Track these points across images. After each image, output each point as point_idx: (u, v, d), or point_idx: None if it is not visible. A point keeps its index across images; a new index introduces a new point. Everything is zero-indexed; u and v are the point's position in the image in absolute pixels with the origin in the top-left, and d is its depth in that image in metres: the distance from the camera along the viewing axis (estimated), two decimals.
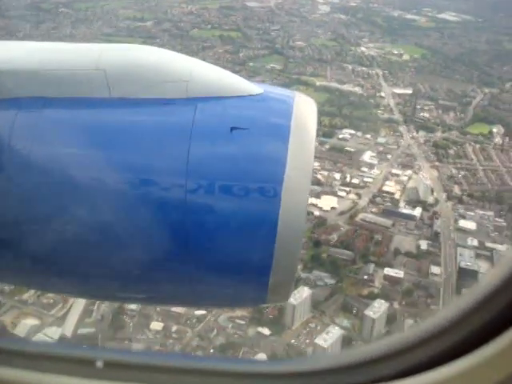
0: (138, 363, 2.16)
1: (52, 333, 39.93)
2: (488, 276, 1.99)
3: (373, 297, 41.72)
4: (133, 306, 41.59)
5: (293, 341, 39.15)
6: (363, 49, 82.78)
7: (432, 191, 53.26)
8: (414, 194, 53.28)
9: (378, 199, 51.94)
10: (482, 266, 48.59)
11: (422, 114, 66.46)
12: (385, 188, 53.33)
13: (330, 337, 37.36)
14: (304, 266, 43.30)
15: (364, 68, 77.03)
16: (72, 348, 2.46)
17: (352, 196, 51.74)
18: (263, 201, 2.84)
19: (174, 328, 40.15)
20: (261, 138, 2.95)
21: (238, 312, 40.06)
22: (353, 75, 75.27)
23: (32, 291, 40.69)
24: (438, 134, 62.61)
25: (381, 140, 60.86)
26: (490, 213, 51.20)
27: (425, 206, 51.38)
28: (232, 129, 2.93)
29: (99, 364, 2.07)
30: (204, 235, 2.93)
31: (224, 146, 2.93)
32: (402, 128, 63.49)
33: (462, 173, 56.61)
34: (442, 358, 1.94)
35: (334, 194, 51.71)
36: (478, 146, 60.81)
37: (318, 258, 44.53)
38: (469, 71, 77.74)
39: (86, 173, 2.96)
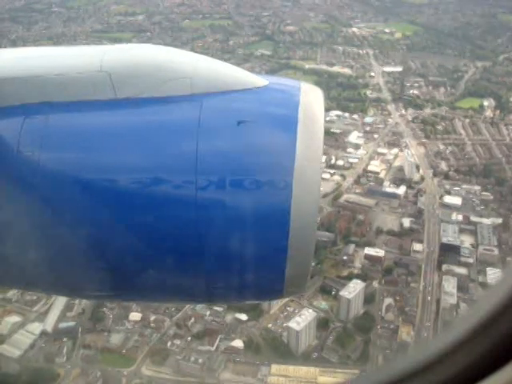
0: None
1: (33, 329, 40.51)
2: (488, 299, 1.82)
3: (352, 277, 41.59)
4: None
5: (270, 325, 39.24)
6: (355, 29, 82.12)
7: (418, 168, 52.75)
8: (400, 172, 52.91)
9: (363, 179, 51.60)
10: (465, 241, 48.38)
11: (411, 92, 65.81)
12: (370, 168, 52.97)
13: (302, 319, 37.34)
14: None
15: (355, 49, 76.45)
16: None
17: (336, 178, 51.45)
18: (275, 193, 2.85)
19: (153, 318, 40.48)
20: (268, 130, 2.96)
21: None
22: (343, 56, 74.74)
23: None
24: (427, 111, 61.99)
25: (368, 120, 60.45)
26: (477, 187, 50.66)
27: (410, 184, 50.93)
28: (239, 123, 2.95)
29: None
30: (217, 231, 2.96)
31: (232, 140, 2.94)
32: (391, 106, 62.97)
33: (450, 148, 56.00)
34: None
35: None
36: (467, 120, 60.09)
37: None
38: (462, 46, 76.76)
39: (96, 175, 3.02)
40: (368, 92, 66.10)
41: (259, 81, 3.07)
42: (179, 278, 3.13)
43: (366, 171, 52.62)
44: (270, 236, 2.86)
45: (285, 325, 38.33)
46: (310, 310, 39.04)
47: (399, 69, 71.35)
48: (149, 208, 2.87)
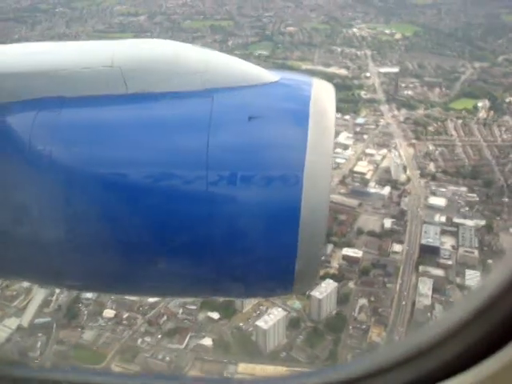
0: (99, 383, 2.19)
1: (11, 323, 40.97)
2: (486, 283, 1.97)
3: (328, 277, 41.43)
4: (89, 295, 42.43)
5: (241, 324, 39.22)
6: (355, 30, 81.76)
7: (405, 169, 52.44)
8: (386, 173, 52.65)
9: (348, 180, 51.40)
10: (447, 242, 47.89)
11: (405, 92, 65.42)
12: (356, 168, 52.75)
13: (271, 318, 37.29)
14: None
15: (353, 49, 76.15)
16: (37, 371, 2.60)
17: None
18: (285, 188, 2.95)
19: (126, 315, 40.67)
20: (280, 125, 3.05)
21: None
22: (340, 57, 74.50)
23: None
24: (420, 112, 61.60)
25: (359, 120, 60.19)
26: (464, 188, 50.18)
27: (395, 185, 50.65)
28: (250, 118, 3.05)
29: None
30: (227, 226, 3.05)
31: (243, 135, 3.04)
32: (384, 107, 62.67)
33: (440, 149, 55.59)
34: (437, 374, 1.92)
35: None
36: (460, 121, 59.60)
37: None
38: (461, 46, 76.07)
39: (107, 169, 3.13)
40: (362, 93, 65.79)
41: (270, 76, 3.10)
42: (189, 271, 3.17)
43: (352, 172, 52.35)
44: (280, 231, 2.91)
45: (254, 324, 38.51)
46: (280, 309, 38.92)
47: (396, 69, 70.95)
48: (160, 202, 2.91)
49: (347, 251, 43.95)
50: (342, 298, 40.65)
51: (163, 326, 39.96)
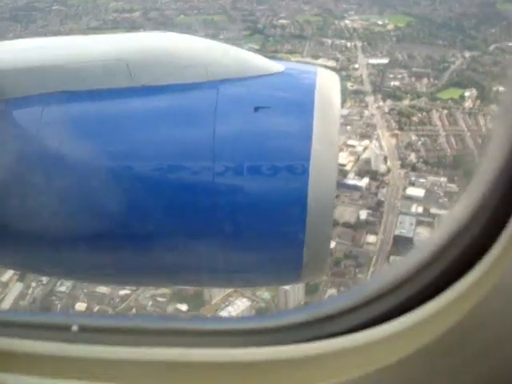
0: (112, 326, 2.37)
1: None
2: (434, 235, 2.27)
3: None
4: (63, 288, 42.80)
5: (208, 315, 39.36)
6: (347, 22, 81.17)
7: (386, 160, 52.15)
8: (367, 164, 52.39)
9: None
10: (422, 233, 47.49)
11: (392, 83, 64.96)
12: None
13: (234, 309, 37.39)
14: None
15: (343, 41, 75.71)
16: (46, 315, 2.94)
17: None
18: (292, 178, 3.13)
19: (96, 308, 40.94)
20: (285, 115, 3.23)
21: (161, 290, 40.51)
22: (330, 49, 74.12)
23: None
24: (406, 102, 61.16)
25: (343, 112, 59.85)
26: (444, 179, 49.79)
27: (375, 176, 50.41)
28: (256, 108, 3.21)
29: (75, 328, 2.28)
30: (235, 216, 3.22)
31: (249, 126, 3.22)
32: (369, 98, 62.32)
33: (422, 139, 55.20)
34: (388, 314, 2.10)
35: None
36: (445, 111, 59.11)
37: None
38: (453, 36, 75.22)
39: (114, 162, 3.30)
40: (349, 84, 65.41)
41: (275, 66, 3.25)
42: (198, 261, 3.29)
43: None
44: (287, 220, 3.04)
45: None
46: (244, 300, 38.97)
47: (385, 60, 70.53)
48: (166, 194, 3.06)
49: None
50: (311, 289, 40.56)
51: None
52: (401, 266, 2.15)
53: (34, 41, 3.70)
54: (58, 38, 3.56)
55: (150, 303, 40.77)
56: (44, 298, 42.84)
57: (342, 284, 41.23)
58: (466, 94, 61.98)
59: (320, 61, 72.55)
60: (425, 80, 66.04)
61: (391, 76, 66.83)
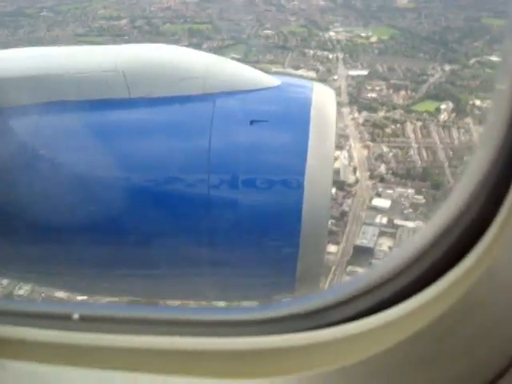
0: (113, 315, 2.42)
1: None
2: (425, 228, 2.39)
3: None
4: (21, 292, 42.71)
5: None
6: (332, 33, 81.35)
7: (355, 171, 52.09)
8: (336, 174, 52.27)
9: None
10: (384, 243, 47.32)
11: (369, 95, 65.01)
12: None
13: None
14: None
15: (326, 52, 75.85)
16: (46, 304, 3.00)
17: None
18: (287, 192, 3.14)
19: None
20: (281, 129, 3.24)
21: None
22: (312, 60, 74.27)
23: None
24: (381, 114, 61.18)
25: None
26: (411, 190, 49.72)
27: (342, 186, 50.34)
28: (251, 122, 3.22)
29: (75, 317, 2.33)
30: (229, 229, 3.22)
31: (245, 139, 3.22)
32: (345, 110, 62.33)
33: (394, 151, 55.17)
34: (380, 305, 2.18)
35: None
36: (419, 123, 59.10)
37: None
38: (435, 49, 75.30)
39: (110, 173, 3.31)
40: None
41: (272, 80, 3.22)
42: (191, 275, 3.27)
43: None
44: (282, 234, 3.02)
45: None
46: None
47: (365, 72, 70.68)
48: (162, 206, 3.04)
49: None
50: None
51: None
52: (393, 258, 2.23)
53: (32, 50, 3.67)
54: (56, 47, 3.53)
55: None
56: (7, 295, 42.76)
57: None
58: (442, 106, 61.97)
59: (300, 71, 72.66)
60: (402, 92, 66.07)
61: (369, 88, 66.88)
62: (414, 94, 65.12)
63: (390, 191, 49.31)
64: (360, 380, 2.13)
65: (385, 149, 55.22)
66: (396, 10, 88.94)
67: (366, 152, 54.88)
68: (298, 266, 2.84)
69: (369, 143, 56.22)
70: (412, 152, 54.75)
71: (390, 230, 46.41)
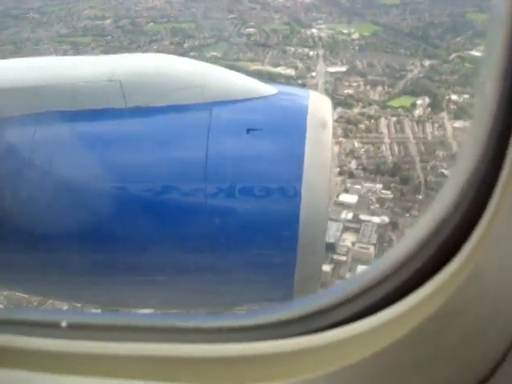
0: (101, 323, 2.39)
1: None
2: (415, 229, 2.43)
3: None
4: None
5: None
6: (314, 30, 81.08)
7: None
8: None
9: None
10: (347, 239, 46.98)
11: (346, 91, 64.68)
12: None
13: None
14: None
15: (307, 49, 75.58)
16: (34, 312, 2.99)
17: None
18: (284, 200, 3.12)
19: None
20: (278, 138, 3.23)
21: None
22: (292, 57, 74.02)
23: None
24: (356, 110, 60.84)
25: None
26: (379, 185, 49.38)
27: None
28: (248, 130, 3.20)
29: (64, 325, 2.29)
30: (227, 238, 3.21)
31: (241, 148, 3.21)
32: None
33: (366, 147, 54.84)
34: (368, 310, 2.16)
35: None
36: (394, 119, 58.74)
37: None
38: (416, 45, 74.85)
39: (107, 183, 3.30)
40: None
41: (268, 89, 3.16)
42: (189, 281, 3.21)
43: None
44: (279, 242, 2.97)
45: None
46: None
47: (343, 69, 70.37)
48: (159, 215, 2.97)
49: None
50: None
51: None
52: (378, 264, 2.26)
53: (28, 60, 3.56)
54: (52, 57, 3.44)
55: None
56: None
57: None
58: (419, 102, 61.62)
59: (279, 69, 72.51)
60: (379, 88, 65.72)
61: (346, 84, 66.57)
62: (390, 89, 64.75)
63: (358, 186, 48.95)
64: None
65: (357, 144, 54.86)
66: (381, 7, 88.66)
67: (337, 148, 54.46)
68: (296, 273, 2.69)
69: (341, 139, 55.81)
70: (384, 147, 54.34)
71: (354, 226, 46.07)
